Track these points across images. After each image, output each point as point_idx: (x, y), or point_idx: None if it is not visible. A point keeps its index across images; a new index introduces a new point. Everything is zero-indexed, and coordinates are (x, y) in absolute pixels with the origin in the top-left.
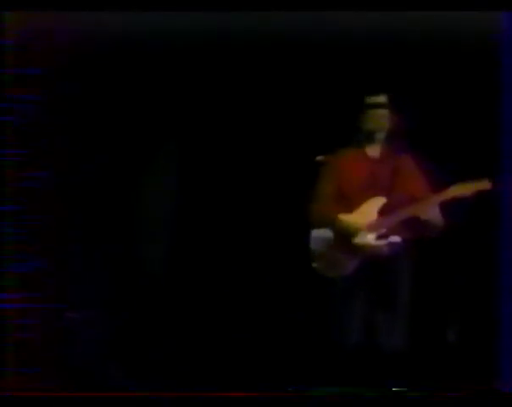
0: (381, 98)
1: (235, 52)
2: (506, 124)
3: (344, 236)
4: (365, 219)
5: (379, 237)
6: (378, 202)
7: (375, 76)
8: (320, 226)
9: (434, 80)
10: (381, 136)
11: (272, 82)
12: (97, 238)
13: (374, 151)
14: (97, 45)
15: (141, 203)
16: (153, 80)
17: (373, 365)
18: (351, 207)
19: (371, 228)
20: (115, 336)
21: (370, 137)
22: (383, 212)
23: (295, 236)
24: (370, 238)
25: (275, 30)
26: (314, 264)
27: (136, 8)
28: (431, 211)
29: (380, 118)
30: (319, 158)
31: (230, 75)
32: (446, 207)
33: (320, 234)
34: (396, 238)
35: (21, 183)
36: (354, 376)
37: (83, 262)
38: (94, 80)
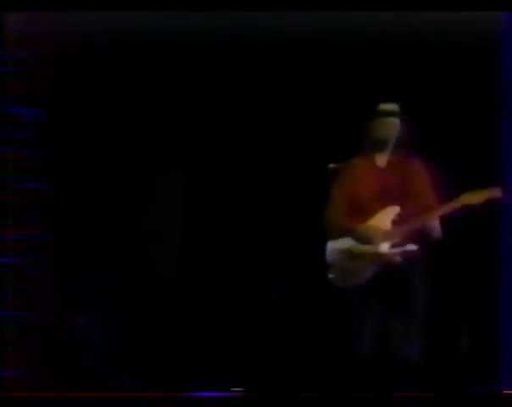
0: (392, 107)
1: (243, 57)
2: (506, 126)
3: (359, 246)
4: (380, 228)
5: (393, 246)
6: (392, 211)
7: (374, 76)
8: (334, 236)
9: (433, 81)
10: (390, 144)
11: (282, 89)
12: (107, 240)
13: (384, 159)
14: (97, 45)
15: (150, 206)
16: (153, 81)
17: (388, 372)
18: (364, 216)
19: (386, 237)
20: (122, 338)
21: (379, 145)
22: (396, 221)
23: (310, 245)
24: (384, 247)
25: (286, 34)
26: (330, 275)
27: (136, 7)
28: (437, 220)
29: (390, 126)
30: (331, 165)
31: (236, 80)
32: (456, 216)
33: (335, 244)
34: (410, 246)
35: (28, 184)
36: (370, 383)
37: (90, 264)
38: (94, 80)
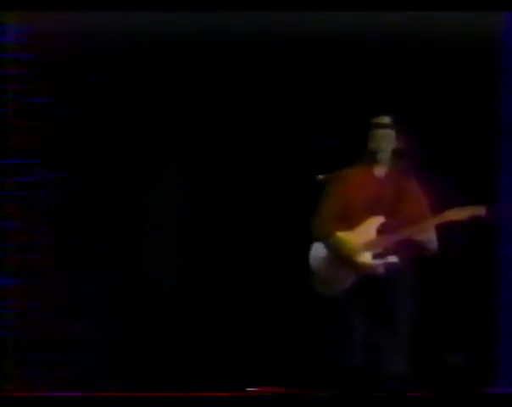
0: (388, 119)
1: (242, 57)
2: (506, 131)
3: (342, 254)
4: (363, 237)
5: (376, 256)
6: (377, 221)
7: (372, 75)
8: (319, 242)
9: (432, 82)
10: (386, 156)
11: (282, 91)
12: (100, 243)
13: (379, 171)
14: (97, 45)
15: (143, 212)
16: (153, 81)
17: (371, 381)
18: (353, 225)
19: (368, 247)
20: (120, 339)
21: (375, 157)
22: (381, 231)
23: (295, 253)
24: (366, 257)
25: (286, 42)
26: (312, 281)
27: (136, 7)
28: (427, 233)
29: (386, 138)
30: (320, 177)
31: (235, 82)
32: (445, 229)
33: (319, 251)
34: (392, 258)
35: (24, 186)
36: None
37: (85, 269)
38: (94, 80)
